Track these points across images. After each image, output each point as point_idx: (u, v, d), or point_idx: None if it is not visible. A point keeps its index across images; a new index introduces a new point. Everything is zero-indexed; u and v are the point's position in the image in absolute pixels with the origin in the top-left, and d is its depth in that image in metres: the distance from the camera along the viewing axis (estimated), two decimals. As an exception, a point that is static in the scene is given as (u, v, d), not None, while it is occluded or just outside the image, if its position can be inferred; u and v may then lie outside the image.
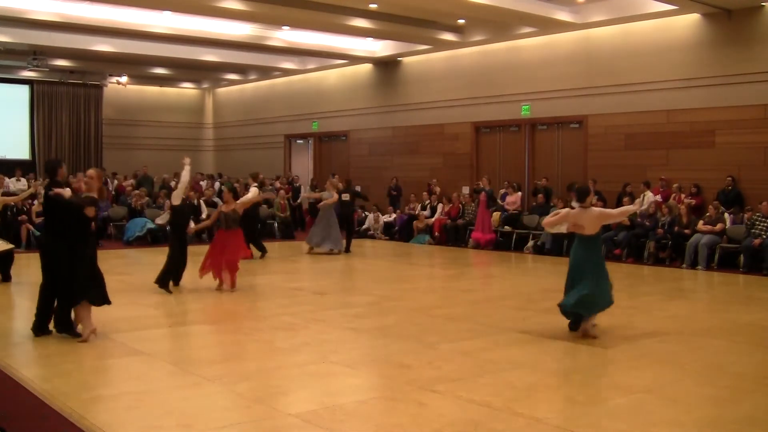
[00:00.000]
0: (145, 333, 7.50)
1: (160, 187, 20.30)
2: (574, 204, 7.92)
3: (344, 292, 10.42)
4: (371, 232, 19.29)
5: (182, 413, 4.97)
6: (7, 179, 20.04)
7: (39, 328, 7.25)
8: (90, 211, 7.20)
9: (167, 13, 17.29)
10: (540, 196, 17.01)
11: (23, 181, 20.59)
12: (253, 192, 13.65)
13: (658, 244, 14.08)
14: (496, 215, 17.19)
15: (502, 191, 17.89)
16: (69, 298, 7.10)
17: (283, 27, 18.65)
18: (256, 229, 14.51)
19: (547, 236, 15.70)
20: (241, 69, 24.87)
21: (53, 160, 7.95)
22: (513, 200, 17.40)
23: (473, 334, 7.59)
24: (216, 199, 17.89)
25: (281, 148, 25.62)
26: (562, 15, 15.88)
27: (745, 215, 13.78)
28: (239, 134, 27.56)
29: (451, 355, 6.73)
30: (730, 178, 14.34)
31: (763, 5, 14.12)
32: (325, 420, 4.85)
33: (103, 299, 7.21)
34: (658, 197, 15.10)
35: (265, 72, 24.80)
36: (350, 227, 16.15)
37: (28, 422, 4.94)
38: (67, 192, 7.26)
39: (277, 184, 20.85)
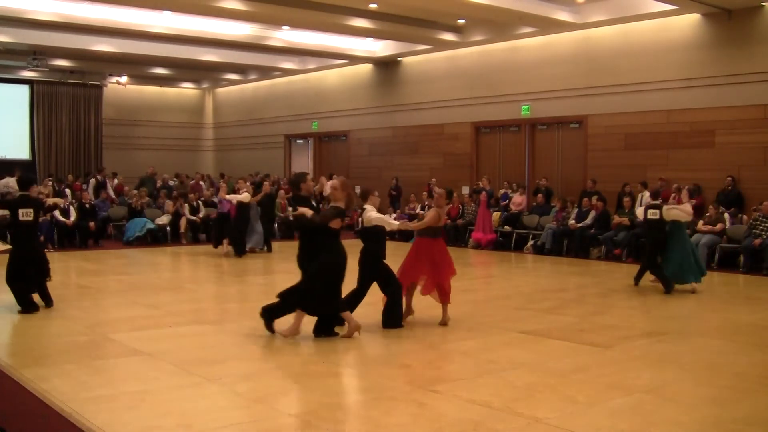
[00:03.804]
0: (145, 333, 7.50)
1: (160, 187, 20.29)
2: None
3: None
4: (371, 232, 19.25)
5: (182, 413, 4.97)
6: (9, 178, 20.07)
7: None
8: (336, 224, 7.14)
9: (167, 13, 17.29)
10: (540, 196, 17.02)
11: None
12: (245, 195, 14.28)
13: (658, 244, 14.05)
14: (496, 215, 17.20)
15: (502, 191, 17.90)
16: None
17: (283, 27, 18.64)
18: (245, 231, 14.81)
19: (547, 236, 15.71)
20: (241, 69, 24.87)
21: (299, 174, 7.78)
22: (519, 201, 17.42)
23: (473, 334, 7.59)
24: (214, 199, 17.80)
25: (281, 148, 25.62)
26: (562, 15, 15.88)
27: (745, 216, 13.78)
28: (239, 134, 27.56)
29: (451, 355, 6.73)
30: (730, 178, 14.34)
31: (763, 5, 14.12)
32: (325, 420, 4.85)
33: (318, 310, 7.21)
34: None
35: (265, 72, 24.80)
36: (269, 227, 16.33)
37: (28, 422, 4.94)
38: (307, 211, 7.15)
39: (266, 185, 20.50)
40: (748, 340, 7.51)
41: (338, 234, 7.22)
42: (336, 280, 7.14)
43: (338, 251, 7.15)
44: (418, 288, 8.09)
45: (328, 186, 8.31)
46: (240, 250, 14.49)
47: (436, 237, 8.08)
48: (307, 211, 7.16)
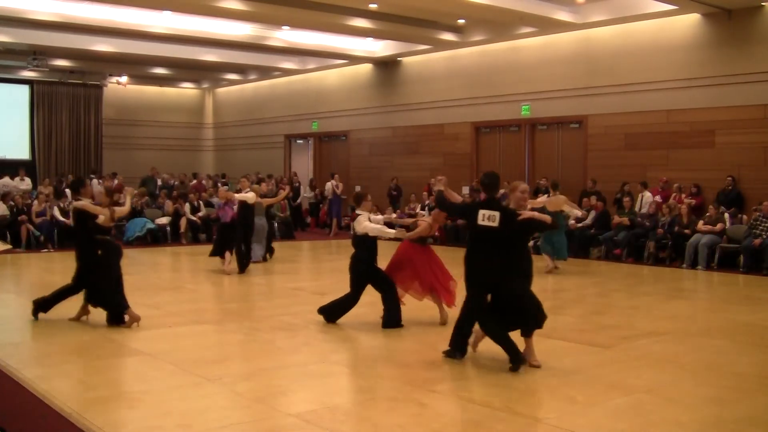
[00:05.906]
0: (145, 333, 7.50)
1: (161, 187, 20.30)
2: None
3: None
4: (371, 232, 19.23)
5: (182, 413, 4.97)
6: (8, 179, 20.11)
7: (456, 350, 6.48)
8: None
9: (167, 13, 17.29)
10: (540, 196, 17.00)
11: (27, 180, 20.67)
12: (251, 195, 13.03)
13: (658, 244, 14.07)
14: (497, 215, 17.16)
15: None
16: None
17: (283, 27, 18.64)
18: (249, 240, 12.65)
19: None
20: (241, 69, 24.87)
21: (495, 175, 6.87)
22: (520, 201, 17.40)
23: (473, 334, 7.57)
24: (215, 200, 17.75)
25: (281, 148, 25.62)
26: (562, 15, 15.87)
27: (745, 216, 13.77)
28: (239, 134, 27.56)
29: (451, 355, 6.71)
30: (730, 178, 14.34)
31: (763, 5, 14.12)
32: (325, 420, 4.85)
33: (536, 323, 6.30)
34: (658, 198, 15.10)
35: (265, 72, 24.80)
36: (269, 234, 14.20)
37: (28, 422, 4.94)
38: (543, 216, 6.38)
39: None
40: (748, 340, 7.51)
41: None
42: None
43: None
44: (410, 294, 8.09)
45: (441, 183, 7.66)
46: (243, 265, 12.28)
47: (424, 244, 8.25)
48: (545, 217, 6.31)
